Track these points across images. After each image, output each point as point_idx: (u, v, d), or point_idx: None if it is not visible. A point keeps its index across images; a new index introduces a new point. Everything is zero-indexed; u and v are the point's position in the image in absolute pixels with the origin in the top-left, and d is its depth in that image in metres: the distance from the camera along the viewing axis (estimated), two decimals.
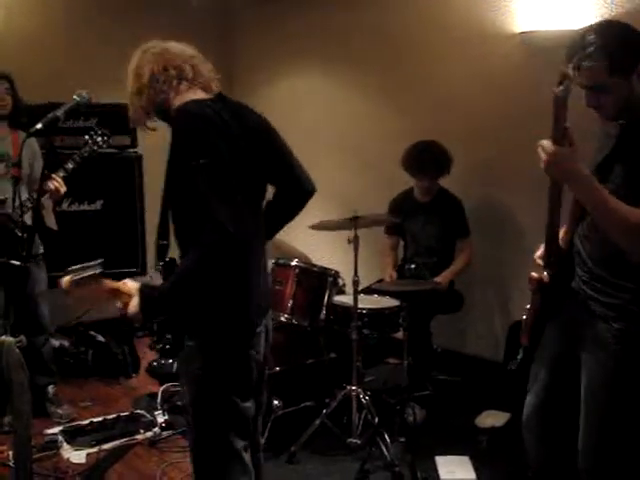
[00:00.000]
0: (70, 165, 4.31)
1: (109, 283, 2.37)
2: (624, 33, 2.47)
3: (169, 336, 2.52)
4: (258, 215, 2.62)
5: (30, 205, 4.15)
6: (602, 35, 2.42)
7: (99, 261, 2.42)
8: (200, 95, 2.53)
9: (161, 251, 2.52)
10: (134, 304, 2.31)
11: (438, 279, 4.72)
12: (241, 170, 2.39)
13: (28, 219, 4.06)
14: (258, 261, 2.58)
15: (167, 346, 2.47)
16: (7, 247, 3.86)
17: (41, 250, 4.57)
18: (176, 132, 2.41)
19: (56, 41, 5.97)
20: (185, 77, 2.54)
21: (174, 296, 2.31)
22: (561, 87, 2.44)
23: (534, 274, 2.63)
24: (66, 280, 2.36)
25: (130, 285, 2.36)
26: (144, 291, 2.33)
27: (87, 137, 4.39)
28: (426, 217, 4.96)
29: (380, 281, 4.87)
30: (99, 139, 4.39)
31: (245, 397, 2.51)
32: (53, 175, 4.23)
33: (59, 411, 4.69)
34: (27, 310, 4.43)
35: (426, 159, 4.82)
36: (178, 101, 2.50)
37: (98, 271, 2.38)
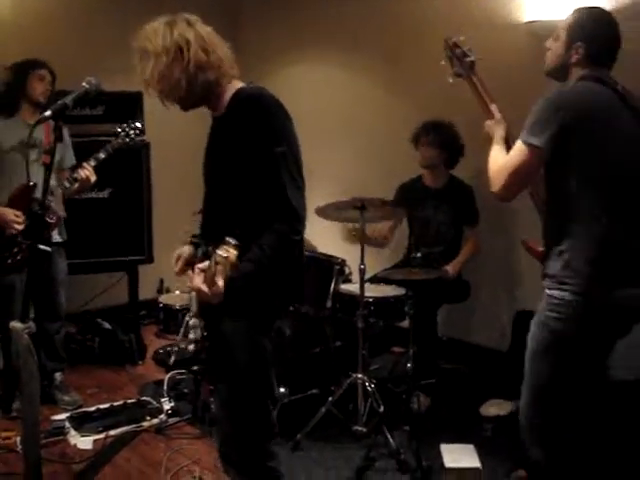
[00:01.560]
0: (102, 155, 4.37)
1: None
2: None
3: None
4: None
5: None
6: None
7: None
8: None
9: (206, 236, 2.56)
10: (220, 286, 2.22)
11: (448, 268, 4.72)
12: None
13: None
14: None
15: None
16: (36, 232, 3.87)
17: (63, 238, 4.59)
18: (253, 118, 2.39)
19: (66, 28, 5.95)
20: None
21: (256, 278, 2.33)
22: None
23: None
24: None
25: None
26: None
27: (119, 129, 4.42)
28: (436, 204, 4.95)
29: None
30: (132, 132, 4.44)
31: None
32: (84, 164, 4.27)
33: (66, 398, 4.72)
34: (46, 296, 4.48)
35: (430, 127, 4.89)
36: (232, 86, 2.54)
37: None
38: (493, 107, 3.11)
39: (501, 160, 2.84)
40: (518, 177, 2.73)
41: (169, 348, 5.17)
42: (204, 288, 2.22)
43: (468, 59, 3.25)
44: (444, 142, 4.85)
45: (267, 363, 2.53)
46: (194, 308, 2.51)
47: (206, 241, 2.58)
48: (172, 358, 4.75)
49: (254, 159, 2.36)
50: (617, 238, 2.62)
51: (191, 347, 2.48)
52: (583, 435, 2.91)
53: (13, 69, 4.46)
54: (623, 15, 3.25)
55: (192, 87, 2.47)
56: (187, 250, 2.78)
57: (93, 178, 4.31)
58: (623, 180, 2.65)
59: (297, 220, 2.33)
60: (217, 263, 2.18)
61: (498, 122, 3.06)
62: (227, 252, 2.17)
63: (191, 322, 2.41)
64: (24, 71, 4.42)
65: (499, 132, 3.02)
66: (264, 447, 2.63)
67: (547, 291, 2.74)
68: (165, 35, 2.45)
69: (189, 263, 2.71)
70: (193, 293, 2.44)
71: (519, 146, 2.71)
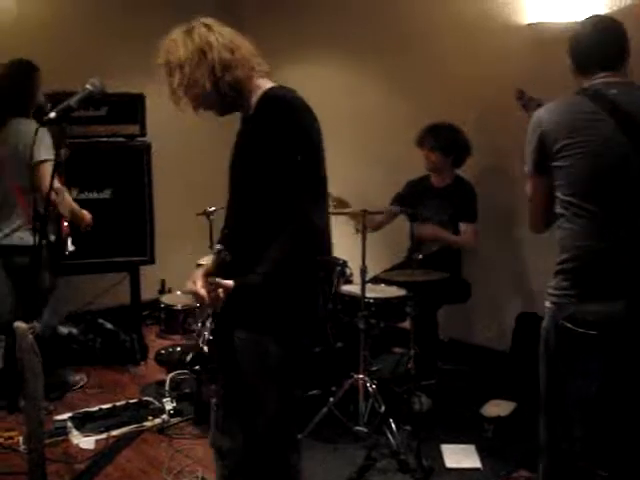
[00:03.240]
0: None
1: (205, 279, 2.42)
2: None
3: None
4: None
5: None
6: None
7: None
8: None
9: (225, 239, 2.54)
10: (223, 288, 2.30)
11: (427, 226, 4.82)
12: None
13: None
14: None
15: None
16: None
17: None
18: (276, 121, 2.36)
19: (69, 29, 5.97)
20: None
21: (267, 285, 2.31)
22: None
23: None
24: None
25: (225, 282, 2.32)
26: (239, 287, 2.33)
27: None
28: (439, 202, 4.94)
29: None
30: None
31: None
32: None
33: (77, 377, 5.00)
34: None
35: (430, 131, 4.88)
36: (262, 85, 2.51)
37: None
38: None
39: None
40: (533, 206, 2.83)
41: (171, 348, 5.19)
42: (202, 292, 2.31)
43: (536, 101, 3.43)
44: (446, 145, 4.85)
45: (280, 378, 2.50)
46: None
47: (224, 244, 2.58)
48: (189, 355, 4.74)
49: (273, 164, 2.33)
50: (594, 248, 2.64)
51: (206, 348, 2.49)
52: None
53: (16, 68, 4.47)
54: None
55: (221, 89, 2.44)
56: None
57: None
58: (602, 188, 2.62)
59: (311, 230, 2.31)
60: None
61: None
62: (205, 261, 2.23)
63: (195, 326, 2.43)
64: (27, 74, 4.44)
65: None
66: (285, 461, 2.59)
67: None
68: (185, 43, 2.42)
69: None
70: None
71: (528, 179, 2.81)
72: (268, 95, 2.45)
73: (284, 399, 2.50)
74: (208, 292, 2.32)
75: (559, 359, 2.72)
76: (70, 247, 4.57)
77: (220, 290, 2.29)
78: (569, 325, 2.64)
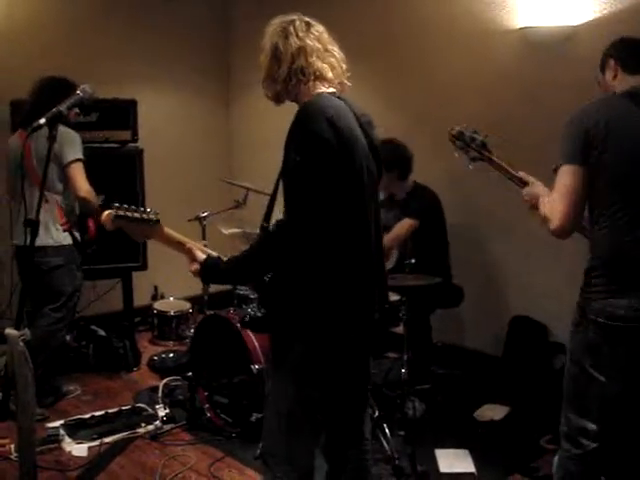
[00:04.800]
0: None
1: (174, 235, 2.63)
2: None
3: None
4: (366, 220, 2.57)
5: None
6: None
7: (154, 210, 2.54)
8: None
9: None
10: (194, 268, 2.59)
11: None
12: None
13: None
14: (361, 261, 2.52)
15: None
16: None
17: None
18: (293, 123, 2.43)
19: (58, 35, 5.96)
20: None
21: (234, 275, 2.59)
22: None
23: None
24: (106, 214, 2.52)
25: (197, 253, 2.60)
26: (207, 264, 2.56)
27: None
28: (399, 211, 4.90)
29: None
30: None
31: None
32: None
33: (70, 387, 4.96)
34: None
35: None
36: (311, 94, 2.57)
37: (154, 218, 2.52)
38: (522, 174, 2.99)
39: (549, 199, 2.76)
40: (569, 202, 2.64)
41: (164, 355, 5.18)
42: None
43: (478, 140, 3.12)
44: (386, 163, 4.79)
45: (300, 377, 2.53)
46: None
47: None
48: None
49: (283, 162, 2.41)
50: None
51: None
52: None
53: (63, 83, 4.44)
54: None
55: (289, 90, 2.57)
56: None
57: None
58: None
59: (292, 230, 2.35)
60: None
61: (534, 184, 2.93)
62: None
63: None
64: (68, 93, 4.45)
65: (541, 189, 2.88)
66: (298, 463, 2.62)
67: None
68: (273, 34, 2.64)
69: None
70: None
71: (561, 171, 2.69)
72: (307, 100, 2.50)
73: (301, 399, 2.52)
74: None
75: (587, 354, 2.71)
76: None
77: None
78: (600, 319, 2.64)
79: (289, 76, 2.52)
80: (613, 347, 2.65)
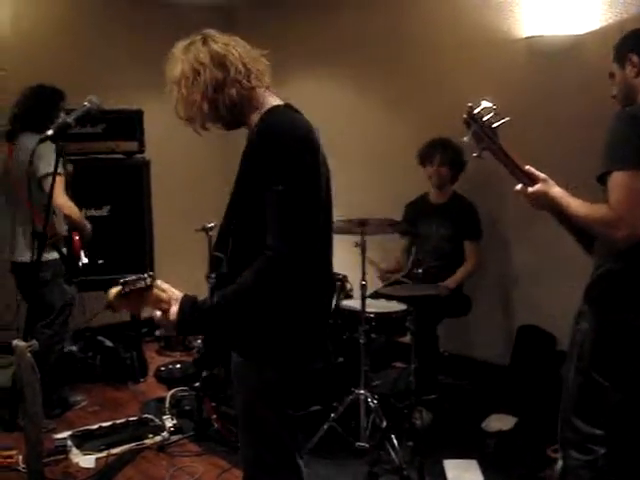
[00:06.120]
0: None
1: (155, 293, 2.32)
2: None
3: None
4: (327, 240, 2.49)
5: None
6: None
7: (149, 274, 2.34)
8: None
9: (216, 263, 2.42)
10: (172, 312, 2.27)
11: (447, 282, 4.72)
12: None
13: None
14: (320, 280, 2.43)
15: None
16: None
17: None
18: (262, 149, 2.24)
19: (67, 46, 5.99)
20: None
21: (220, 313, 2.23)
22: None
23: None
24: (113, 293, 2.33)
25: (171, 293, 2.31)
26: (185, 302, 2.28)
27: None
28: (439, 219, 4.98)
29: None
30: None
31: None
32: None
33: (78, 398, 4.97)
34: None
35: (436, 144, 4.92)
36: (265, 103, 2.39)
37: (148, 283, 2.30)
38: (528, 168, 2.69)
39: (601, 208, 2.50)
40: (637, 206, 2.43)
41: (171, 366, 5.19)
42: (157, 315, 2.33)
43: (496, 124, 2.73)
44: (453, 159, 4.89)
45: (275, 401, 2.41)
46: None
47: (214, 268, 2.46)
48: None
49: (255, 192, 2.23)
50: None
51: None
52: None
53: (47, 91, 4.50)
54: None
55: (217, 110, 2.34)
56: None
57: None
58: None
59: (280, 261, 2.16)
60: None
61: (545, 182, 2.65)
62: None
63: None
64: (54, 101, 4.46)
65: (556, 190, 2.64)
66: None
67: None
68: (183, 60, 2.35)
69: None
70: None
71: (618, 179, 2.46)
72: (265, 117, 2.33)
73: (281, 422, 2.43)
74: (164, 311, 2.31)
75: (600, 364, 2.70)
76: (84, 259, 4.62)
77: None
78: (618, 330, 2.64)
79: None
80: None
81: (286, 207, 2.18)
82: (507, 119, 2.68)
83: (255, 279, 2.18)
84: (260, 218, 2.21)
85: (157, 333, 2.04)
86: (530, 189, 2.64)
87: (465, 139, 2.75)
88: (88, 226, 4.66)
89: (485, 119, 2.70)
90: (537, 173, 2.66)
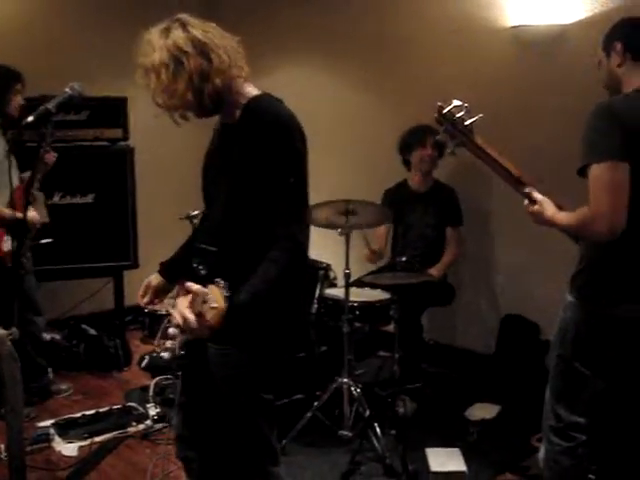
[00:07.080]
0: None
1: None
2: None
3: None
4: None
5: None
6: None
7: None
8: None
9: (201, 255, 2.36)
10: (218, 315, 2.04)
11: (432, 271, 4.72)
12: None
13: None
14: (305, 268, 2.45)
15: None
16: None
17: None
18: (268, 140, 2.23)
19: (50, 33, 5.93)
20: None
21: (255, 308, 2.15)
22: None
23: None
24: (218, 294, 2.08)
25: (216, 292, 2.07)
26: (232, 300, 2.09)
27: None
28: (423, 207, 4.97)
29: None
30: None
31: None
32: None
33: (62, 387, 4.94)
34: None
35: (425, 128, 4.84)
36: (245, 93, 2.38)
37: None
38: (530, 189, 2.71)
39: (581, 211, 2.55)
40: (614, 199, 2.46)
41: (155, 354, 5.18)
42: (191, 318, 2.03)
43: (469, 121, 2.67)
44: (442, 144, 4.88)
45: (257, 395, 2.41)
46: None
47: (202, 260, 2.43)
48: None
49: (262, 183, 2.22)
50: None
51: (166, 355, 2.33)
52: None
53: (2, 71, 4.41)
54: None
55: (201, 99, 2.28)
56: (155, 279, 2.77)
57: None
58: None
59: (298, 253, 2.22)
60: (205, 302, 2.02)
61: (543, 202, 2.67)
62: (217, 303, 2.01)
63: (170, 330, 2.23)
64: (6, 83, 4.40)
65: (551, 208, 2.67)
66: (263, 474, 2.48)
67: None
68: (161, 47, 2.25)
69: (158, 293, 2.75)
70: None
71: (596, 172, 2.49)
72: (255, 108, 2.32)
73: (259, 410, 2.43)
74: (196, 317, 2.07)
75: (582, 353, 2.73)
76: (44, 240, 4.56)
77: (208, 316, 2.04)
78: (600, 320, 2.66)
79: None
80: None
81: (297, 198, 2.25)
82: (480, 116, 2.66)
83: (278, 270, 2.18)
84: (264, 210, 2.23)
85: (166, 355, 1.90)
86: (529, 208, 2.71)
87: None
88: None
89: (457, 117, 2.67)
90: (535, 195, 2.69)
